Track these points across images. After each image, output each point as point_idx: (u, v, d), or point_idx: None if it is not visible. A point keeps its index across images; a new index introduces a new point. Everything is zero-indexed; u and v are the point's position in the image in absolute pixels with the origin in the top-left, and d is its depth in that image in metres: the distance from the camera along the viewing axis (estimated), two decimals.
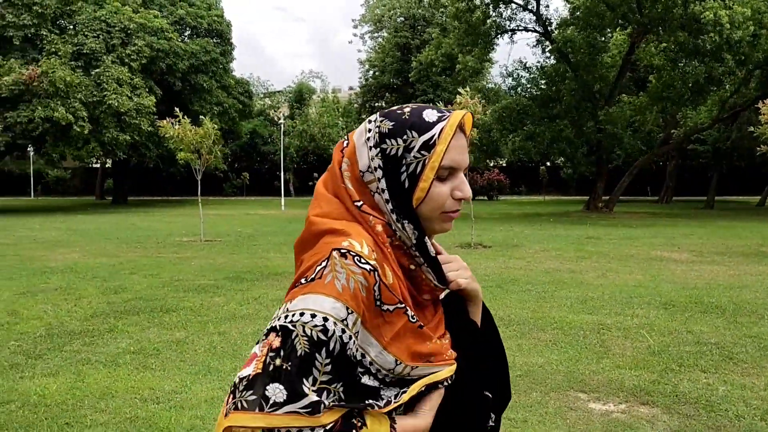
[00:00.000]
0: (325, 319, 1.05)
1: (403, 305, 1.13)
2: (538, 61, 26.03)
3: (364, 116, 45.15)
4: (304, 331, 1.05)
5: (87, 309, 7.28)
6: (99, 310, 7.19)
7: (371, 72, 40.58)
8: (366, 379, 1.12)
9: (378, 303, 1.10)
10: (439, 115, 1.16)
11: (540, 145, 25.33)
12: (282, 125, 37.31)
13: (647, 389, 4.48)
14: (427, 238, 1.18)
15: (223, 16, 39.48)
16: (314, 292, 1.07)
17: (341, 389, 1.08)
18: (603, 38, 25.54)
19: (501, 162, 52.69)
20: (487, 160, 48.25)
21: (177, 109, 17.18)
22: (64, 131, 27.76)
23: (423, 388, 1.17)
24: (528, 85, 25.50)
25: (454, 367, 1.21)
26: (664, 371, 4.88)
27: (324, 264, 1.08)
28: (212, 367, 5.04)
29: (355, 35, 67.24)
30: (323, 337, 1.05)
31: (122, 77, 29.31)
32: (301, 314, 1.06)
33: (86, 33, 29.95)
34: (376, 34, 40.61)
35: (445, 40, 25.53)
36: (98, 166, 47.21)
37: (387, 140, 1.15)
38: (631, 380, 4.67)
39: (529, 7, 25.53)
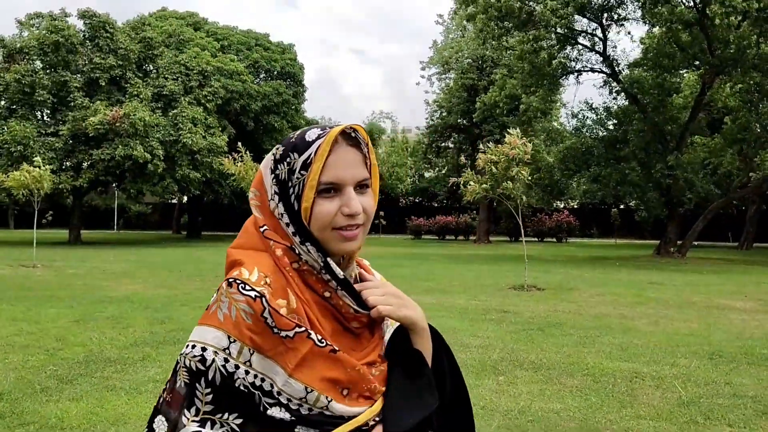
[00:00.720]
0: (203, 349, 1.06)
1: (303, 329, 1.09)
2: (604, 102, 25.61)
3: (430, 156, 45.41)
4: (184, 363, 1.08)
5: (129, 338, 7.57)
6: (140, 339, 7.46)
7: (438, 113, 40.91)
8: (275, 411, 1.08)
9: (274, 329, 1.07)
10: (320, 132, 1.14)
11: (606, 187, 24.73)
12: None
13: None
14: (332, 261, 1.15)
15: (296, 59, 40.87)
16: (200, 324, 1.10)
17: (237, 421, 1.07)
18: (674, 79, 24.92)
19: (572, 204, 51.70)
20: (557, 202, 47.69)
21: (240, 145, 17.79)
22: (142, 168, 29.18)
23: None
24: (594, 126, 25.09)
25: (378, 405, 1.15)
26: (687, 423, 4.64)
27: (215, 296, 1.10)
28: None
29: (422, 77, 68.24)
30: (201, 367, 1.06)
31: (197, 117, 30.68)
32: (186, 346, 1.09)
33: (166, 76, 31.62)
34: (443, 76, 41.05)
35: (510, 81, 25.52)
36: (175, 201, 49.22)
37: (278, 165, 1.16)
38: (648, 431, 4.46)
39: (596, 48, 25.26)
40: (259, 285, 1.08)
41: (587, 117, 25.38)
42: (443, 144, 42.61)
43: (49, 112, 30.81)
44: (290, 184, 1.14)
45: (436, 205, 54.44)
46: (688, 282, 15.68)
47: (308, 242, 1.14)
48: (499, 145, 14.32)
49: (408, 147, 54.44)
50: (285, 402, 1.09)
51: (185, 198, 42.91)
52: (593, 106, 25.72)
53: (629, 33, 25.15)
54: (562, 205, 50.25)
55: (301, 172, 1.13)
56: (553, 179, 23.98)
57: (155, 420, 1.10)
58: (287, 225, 1.15)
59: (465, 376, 4.68)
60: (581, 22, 25.25)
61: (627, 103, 25.70)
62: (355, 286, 1.20)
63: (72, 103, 29.12)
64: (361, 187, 1.16)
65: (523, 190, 14.11)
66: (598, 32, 25.04)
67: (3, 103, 30.00)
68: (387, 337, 1.26)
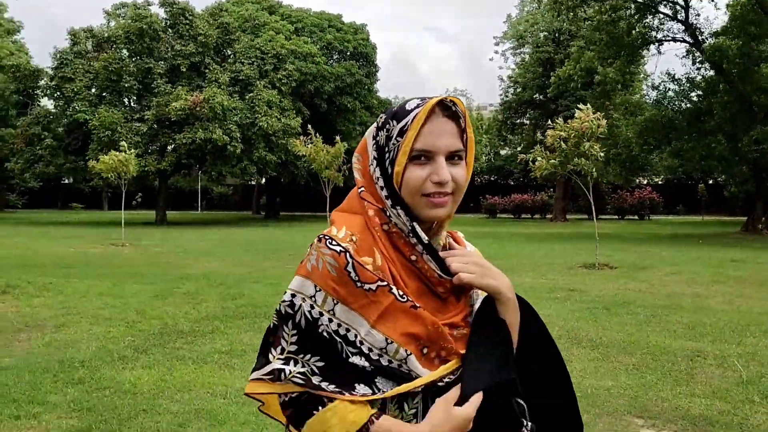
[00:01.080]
0: (293, 295, 1.17)
1: (386, 283, 1.16)
2: (686, 73, 24.45)
3: (504, 133, 44.75)
4: (278, 308, 1.20)
5: (202, 312, 7.99)
6: (211, 314, 7.87)
7: (512, 88, 40.16)
8: (356, 360, 1.15)
9: (357, 283, 1.15)
10: (419, 102, 1.20)
11: (689, 162, 23.71)
12: None
13: (712, 419, 4.20)
14: (418, 225, 1.21)
15: (368, 39, 41.01)
16: (296, 275, 1.20)
17: (319, 364, 1.15)
18: (762, 47, 23.53)
19: (656, 180, 49.82)
20: (640, 178, 46.02)
21: (309, 127, 18.15)
22: (221, 151, 30.20)
23: (420, 389, 1.17)
24: (676, 98, 24.02)
25: (452, 364, 1.19)
26: (742, 402, 4.54)
27: (309, 250, 1.20)
28: None
29: (496, 52, 67.01)
30: (290, 311, 1.17)
31: (272, 100, 31.39)
32: (285, 293, 1.20)
33: (243, 60, 32.47)
34: (518, 50, 40.21)
35: (586, 53, 24.76)
36: (255, 183, 50.65)
37: (379, 132, 1.24)
38: (700, 409, 4.40)
39: (678, 17, 24.13)
40: (345, 241, 1.17)
41: (669, 89, 24.31)
42: (518, 120, 41.85)
43: (135, 98, 32.26)
44: (387, 149, 1.21)
45: (512, 183, 53.71)
46: None
47: (398, 206, 1.20)
48: (570, 121, 14.02)
49: (483, 124, 53.83)
50: (366, 351, 1.15)
51: (263, 179, 44.08)
52: (675, 77, 24.61)
53: (713, 0, 23.56)
54: (645, 182, 48.55)
55: (397, 138, 1.19)
56: (631, 154, 23.16)
57: (258, 358, 1.23)
58: (381, 188, 1.22)
59: None
60: None
61: (712, 73, 24.47)
62: (441, 253, 1.23)
63: (156, 90, 30.41)
64: (453, 157, 1.20)
65: (595, 166, 13.75)
66: (680, 0, 23.91)
67: (93, 90, 31.62)
68: (477, 305, 1.27)
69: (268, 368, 1.17)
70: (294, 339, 1.16)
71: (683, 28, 23.93)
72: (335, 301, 1.15)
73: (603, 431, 4.03)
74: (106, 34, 31.93)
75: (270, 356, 1.18)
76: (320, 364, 1.15)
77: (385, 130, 1.22)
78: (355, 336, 1.15)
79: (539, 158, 14.23)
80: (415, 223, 1.20)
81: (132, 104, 32.44)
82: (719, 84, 23.59)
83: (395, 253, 1.21)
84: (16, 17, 45.09)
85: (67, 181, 55.34)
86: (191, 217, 43.37)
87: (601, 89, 23.83)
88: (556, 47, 36.99)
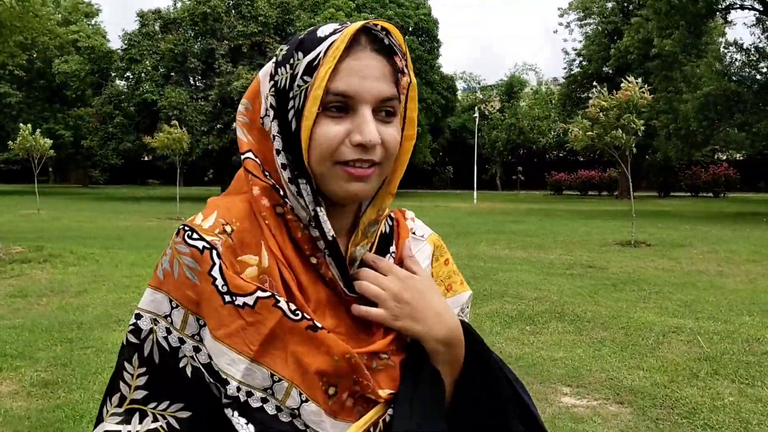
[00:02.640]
0: (138, 316, 0.83)
1: (269, 294, 0.81)
2: (753, 43, 23.20)
3: (570, 108, 43.71)
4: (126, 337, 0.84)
5: None
6: None
7: (576, 61, 39.09)
8: (232, 414, 0.79)
9: (227, 296, 0.80)
10: (337, 27, 0.84)
11: (756, 136, 22.60)
12: (476, 119, 37.54)
13: (640, 390, 4.26)
14: (322, 211, 0.85)
15: (430, 14, 40.76)
16: (148, 286, 0.85)
17: (183, 415, 0.81)
18: None
19: (736, 155, 47.58)
20: (719, 153, 44.01)
21: None
22: None
23: None
24: (743, 70, 22.84)
25: (373, 414, 0.85)
26: (684, 377, 4.55)
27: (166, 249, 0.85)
28: None
29: (560, 24, 64.88)
30: (134, 340, 0.82)
31: None
32: None
33: None
34: (584, 22, 38.97)
35: (644, 24, 23.83)
36: None
37: (279, 69, 0.86)
38: (634, 381, 4.45)
39: None
40: (212, 233, 0.82)
41: (735, 59, 23.14)
42: (584, 95, 40.71)
43: (199, 77, 33.41)
44: (291, 94, 0.83)
45: (581, 159, 52.48)
46: None
47: (302, 178, 0.84)
48: (615, 92, 13.72)
49: (552, 99, 52.60)
50: (245, 399, 0.80)
51: None
52: (744, 47, 23.39)
53: None
54: (724, 157, 46.45)
55: (304, 77, 0.82)
56: (689, 129, 22.24)
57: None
58: (278, 152, 0.85)
59: (495, 326, 5.08)
60: None
61: None
62: (365, 258, 0.90)
63: (218, 70, 31.39)
64: (384, 111, 0.84)
65: (634, 139, 13.42)
66: None
67: (160, 71, 32.94)
68: None
69: (98, 430, 0.82)
70: (142, 381, 0.81)
71: None
72: (201, 323, 0.80)
73: None
74: (172, 16, 33.10)
75: (104, 410, 0.82)
76: (184, 415, 0.81)
77: (288, 66, 0.84)
78: (226, 382, 0.80)
79: (575, 129, 14.00)
80: (319, 208, 0.84)
81: (197, 84, 33.61)
82: None
83: (293, 250, 0.85)
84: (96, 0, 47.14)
85: (146, 158, 58.03)
86: None
87: (659, 62, 22.92)
88: (624, 18, 35.65)
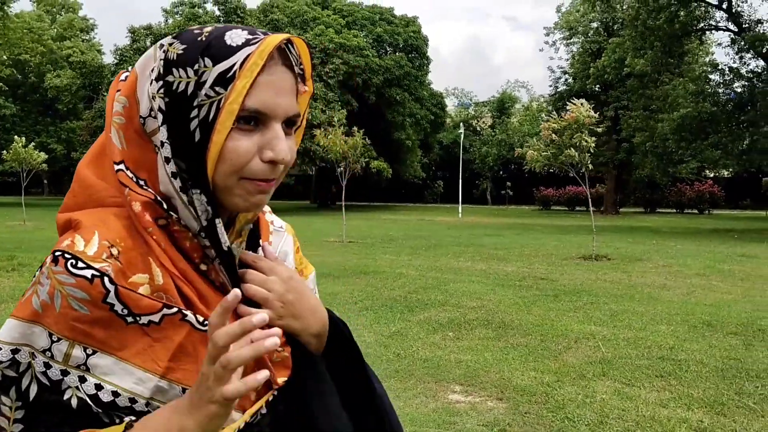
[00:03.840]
0: (14, 351, 0.80)
1: (175, 309, 0.82)
2: (727, 64, 23.73)
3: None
4: None
5: None
6: None
7: (561, 79, 39.73)
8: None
9: (129, 317, 0.80)
10: (249, 38, 0.83)
11: (730, 154, 23.08)
12: (461, 135, 38.08)
13: (525, 389, 4.62)
14: (219, 222, 0.85)
15: (419, 32, 41.38)
16: (11, 317, 0.81)
17: None
18: None
19: (723, 173, 48.12)
20: (707, 171, 44.50)
21: (335, 119, 18.84)
22: None
23: None
24: (718, 90, 23.36)
25: (268, 396, 0.91)
26: (571, 378, 4.91)
27: (36, 275, 0.82)
28: None
29: (546, 43, 65.83)
30: (12, 374, 0.80)
31: (317, 93, 32.34)
32: None
33: None
34: (570, 41, 39.65)
35: (615, 42, 24.37)
36: (312, 173, 52.07)
37: (173, 70, 0.82)
38: (524, 381, 4.81)
39: (723, 5, 23.46)
40: (99, 260, 0.80)
41: (710, 80, 23.65)
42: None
43: None
44: (196, 102, 0.81)
45: (571, 175, 52.96)
46: None
47: (197, 188, 0.83)
48: (563, 113, 14.22)
49: (542, 115, 53.21)
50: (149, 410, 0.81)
51: (311, 170, 45.41)
52: (718, 67, 23.93)
53: None
54: (711, 174, 47.00)
55: (216, 88, 0.80)
56: (666, 148, 22.72)
57: None
58: (167, 160, 0.83)
59: (421, 332, 5.55)
60: None
61: (759, 62, 23.67)
62: (241, 271, 0.91)
63: None
64: (288, 125, 0.86)
65: (587, 158, 13.86)
66: None
67: None
68: None
69: None
70: (19, 415, 0.79)
71: (726, 16, 23.23)
72: (89, 352, 0.79)
73: (416, 394, 4.52)
74: (163, 32, 33.68)
75: None
76: None
77: (192, 70, 0.81)
78: (132, 401, 0.80)
79: (531, 151, 14.48)
80: (218, 220, 0.84)
81: None
82: (765, 73, 22.83)
83: (183, 261, 0.86)
84: (92, 14, 47.86)
85: None
86: None
87: (635, 81, 23.43)
88: (608, 37, 36.31)
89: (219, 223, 0.84)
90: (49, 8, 45.28)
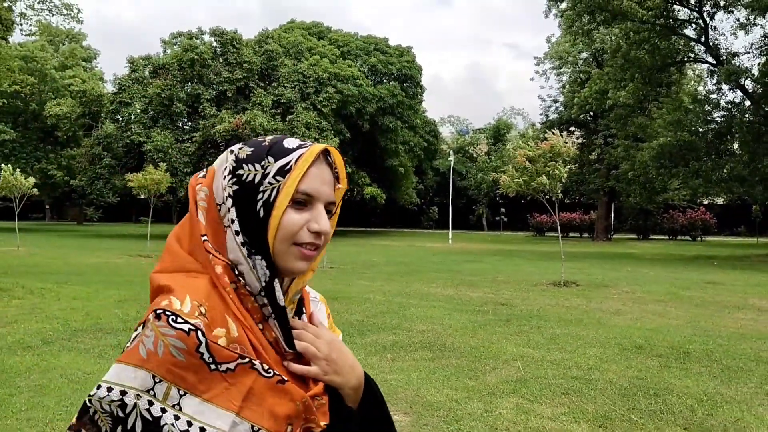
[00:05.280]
0: (123, 392, 0.95)
1: (247, 359, 1.00)
2: (703, 96, 24.28)
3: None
4: (101, 407, 0.96)
5: (141, 314, 9.26)
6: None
7: (552, 107, 40.41)
8: None
9: (213, 365, 0.97)
10: (300, 143, 1.09)
11: (708, 183, 23.53)
12: (451, 162, 38.64)
13: (435, 405, 5.00)
14: (277, 283, 1.06)
15: (413, 61, 42.21)
16: (118, 362, 0.97)
17: None
18: None
19: (714, 200, 48.50)
20: (704, 198, 44.89)
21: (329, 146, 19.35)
22: None
23: None
24: (697, 120, 23.89)
25: None
26: (480, 395, 5.30)
27: (139, 330, 0.99)
28: None
29: (537, 72, 66.77)
30: (121, 414, 0.95)
31: (310, 121, 33.01)
32: (98, 387, 0.97)
33: (285, 84, 34.34)
34: (560, 70, 40.40)
35: (596, 75, 25.00)
36: None
37: (244, 165, 1.06)
38: (435, 397, 5.21)
39: (698, 37, 24.10)
40: (193, 317, 0.97)
41: (690, 110, 24.21)
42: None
43: (185, 120, 34.68)
44: (261, 188, 1.05)
45: (567, 201, 53.44)
46: (754, 283, 14.95)
47: (260, 255, 1.05)
48: (540, 142, 14.70)
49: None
50: None
51: None
52: (697, 98, 24.49)
53: (738, 20, 23.37)
54: (706, 201, 47.41)
55: (276, 177, 1.05)
56: (647, 176, 23.20)
57: None
58: (237, 233, 1.05)
59: (360, 354, 6.15)
60: (682, 11, 24.20)
61: (738, 93, 24.25)
62: (295, 331, 1.11)
63: (203, 113, 32.62)
64: (327, 210, 1.10)
65: (560, 185, 14.31)
66: (702, 21, 23.86)
67: (149, 113, 34.20)
68: None
69: None
70: None
71: (704, 48, 23.85)
72: (182, 393, 0.96)
73: None
74: (162, 62, 34.50)
75: None
76: None
77: (259, 165, 1.06)
78: None
79: (505, 176, 14.93)
80: (276, 281, 1.05)
81: (183, 126, 34.85)
82: (742, 104, 23.37)
83: (250, 318, 1.05)
84: (99, 42, 48.83)
85: (141, 197, 59.40)
86: None
87: (617, 111, 24.00)
88: (597, 67, 37.05)
89: (276, 283, 1.05)
90: (53, 38, 46.33)
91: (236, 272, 1.04)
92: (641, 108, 24.51)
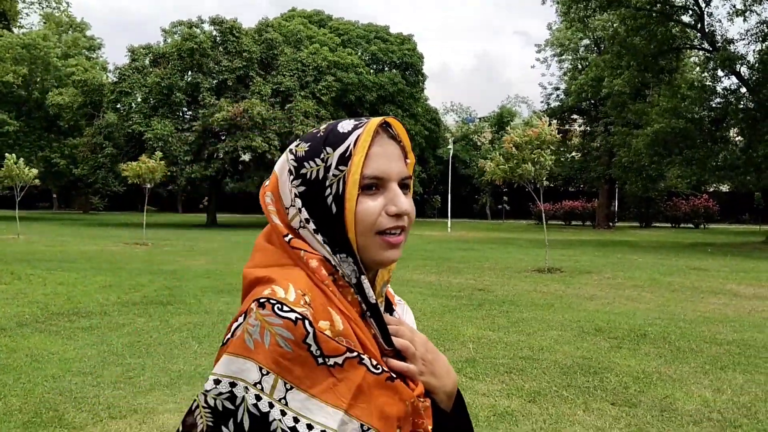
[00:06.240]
0: (232, 384, 0.90)
1: (356, 353, 0.94)
2: (699, 82, 24.22)
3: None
4: (206, 402, 0.92)
5: (123, 299, 9.50)
6: (131, 301, 9.36)
7: (553, 95, 40.32)
8: None
9: (320, 359, 0.91)
10: (355, 123, 1.02)
11: (702, 171, 23.53)
12: (450, 150, 38.69)
13: None
14: (365, 280, 1.00)
15: (415, 49, 42.19)
16: (225, 354, 0.93)
17: None
18: None
19: (719, 187, 48.32)
20: (706, 186, 44.76)
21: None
22: (261, 158, 32.27)
23: None
24: (692, 106, 23.85)
25: None
26: None
27: (240, 320, 0.94)
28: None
29: (537, 60, 66.46)
30: (230, 406, 0.90)
31: (309, 110, 33.15)
32: (207, 381, 0.93)
33: (284, 73, 34.46)
34: (562, 58, 40.28)
35: (594, 62, 24.98)
36: None
37: (305, 163, 1.01)
38: None
39: (694, 23, 24.01)
40: (299, 305, 0.92)
41: (687, 96, 24.16)
42: (565, 127, 41.83)
43: (186, 110, 34.89)
44: (327, 183, 0.99)
45: (572, 189, 53.37)
46: (737, 269, 15.02)
47: (344, 252, 1.00)
48: (526, 129, 14.78)
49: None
50: None
51: None
52: (694, 84, 24.44)
53: (734, 6, 23.26)
54: (711, 189, 47.26)
55: (339, 167, 0.98)
56: (641, 164, 23.21)
57: None
58: (315, 232, 1.00)
59: None
60: None
61: (734, 79, 24.18)
62: (390, 327, 1.05)
63: (203, 102, 32.82)
64: (402, 186, 1.03)
65: (546, 172, 14.41)
66: (698, 8, 23.77)
67: (149, 102, 34.42)
68: None
69: None
70: None
71: (700, 35, 23.77)
72: (288, 387, 0.90)
73: None
74: (162, 51, 34.68)
75: None
76: None
77: (319, 159, 0.99)
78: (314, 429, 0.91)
79: (490, 163, 15.03)
80: (363, 277, 1.00)
81: (183, 115, 35.07)
82: (738, 91, 23.31)
83: (353, 311, 1.00)
84: (105, 33, 49.20)
85: (148, 186, 59.88)
86: (245, 219, 45.84)
87: (612, 100, 23.98)
88: (598, 55, 36.93)
89: (365, 280, 1.00)
90: (56, 28, 46.57)
91: (333, 263, 1.00)
92: (639, 95, 24.45)
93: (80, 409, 4.61)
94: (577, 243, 24.62)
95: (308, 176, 0.99)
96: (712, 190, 47.46)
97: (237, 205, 59.32)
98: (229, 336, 0.93)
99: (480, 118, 62.67)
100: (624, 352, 6.45)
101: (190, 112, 34.31)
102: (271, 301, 0.90)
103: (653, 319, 8.36)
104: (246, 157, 34.84)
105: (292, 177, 1.01)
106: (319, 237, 0.99)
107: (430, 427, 1.01)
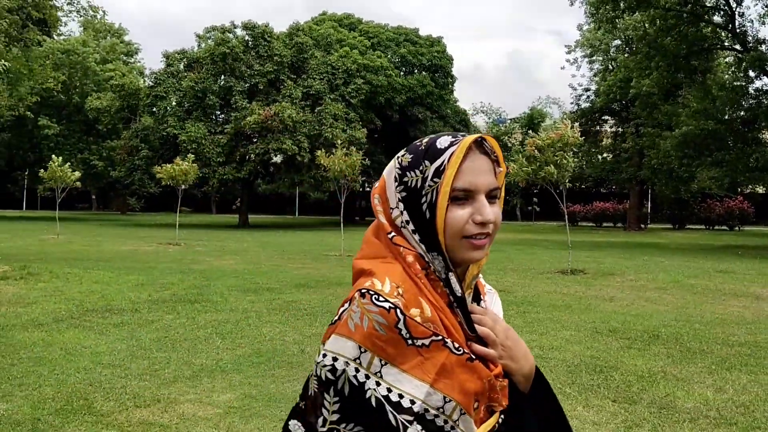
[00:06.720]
0: (334, 359, 1.07)
1: (440, 337, 1.09)
2: (729, 82, 23.91)
3: (584, 140, 44.51)
4: (316, 372, 1.10)
5: (154, 297, 9.90)
6: (160, 299, 9.76)
7: (583, 96, 40.06)
8: (414, 430, 1.07)
9: (409, 340, 1.07)
10: (452, 140, 1.16)
11: (733, 172, 23.23)
12: None
13: None
14: (453, 276, 1.16)
15: (444, 51, 42.33)
16: (332, 334, 1.10)
17: None
18: None
19: (755, 189, 47.39)
20: (741, 186, 44.00)
21: (338, 141, 19.84)
22: (291, 160, 32.77)
23: None
24: (723, 108, 23.55)
25: (494, 419, 1.18)
26: None
27: (346, 306, 1.11)
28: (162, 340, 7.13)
29: (567, 61, 65.84)
30: (331, 377, 1.07)
31: (338, 113, 33.54)
32: (318, 355, 1.10)
33: (314, 77, 34.92)
34: (592, 58, 40.00)
35: (624, 63, 24.82)
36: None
37: (408, 173, 1.17)
38: None
39: (724, 23, 23.74)
40: (393, 296, 1.09)
41: (716, 98, 23.88)
42: (593, 128, 41.54)
43: (219, 113, 35.60)
44: (423, 192, 1.15)
45: (603, 191, 52.86)
46: (764, 272, 14.88)
47: (435, 251, 1.16)
48: (548, 131, 14.88)
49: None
50: (430, 418, 1.08)
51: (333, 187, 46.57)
52: (724, 85, 24.13)
53: (766, 6, 22.94)
54: (747, 191, 46.41)
55: (434, 179, 1.14)
56: (670, 165, 23.00)
57: (290, 423, 1.17)
58: (413, 232, 1.17)
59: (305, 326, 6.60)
60: None
61: (766, 80, 23.82)
62: (474, 316, 1.21)
63: (235, 105, 33.46)
64: (491, 197, 1.17)
65: (568, 175, 14.49)
66: (729, 8, 23.49)
67: (184, 105, 35.19)
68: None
69: None
70: (336, 407, 1.08)
71: (730, 35, 23.49)
72: (382, 362, 1.07)
73: (294, 379, 5.40)
74: (195, 56, 35.44)
75: (317, 426, 1.11)
76: None
77: (418, 170, 1.16)
78: (411, 402, 1.07)
79: (513, 165, 15.16)
80: (450, 273, 1.16)
81: (216, 118, 35.78)
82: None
83: (441, 301, 1.16)
84: (143, 38, 50.43)
85: (183, 187, 61.06)
86: (277, 220, 46.47)
87: (641, 101, 23.81)
88: (630, 55, 36.60)
89: (452, 276, 1.16)
90: (95, 34, 47.85)
91: (426, 260, 1.16)
92: (670, 96, 24.22)
93: (108, 398, 4.96)
94: (605, 245, 24.51)
95: (409, 184, 1.16)
96: (747, 191, 46.59)
97: (268, 206, 60.07)
98: (336, 318, 1.11)
99: (511, 119, 62.50)
100: (633, 352, 6.59)
101: (223, 116, 35.00)
102: (370, 291, 1.08)
103: (669, 321, 8.44)
104: (277, 159, 35.50)
105: (396, 183, 1.18)
106: (416, 237, 1.16)
107: (505, 403, 1.17)
